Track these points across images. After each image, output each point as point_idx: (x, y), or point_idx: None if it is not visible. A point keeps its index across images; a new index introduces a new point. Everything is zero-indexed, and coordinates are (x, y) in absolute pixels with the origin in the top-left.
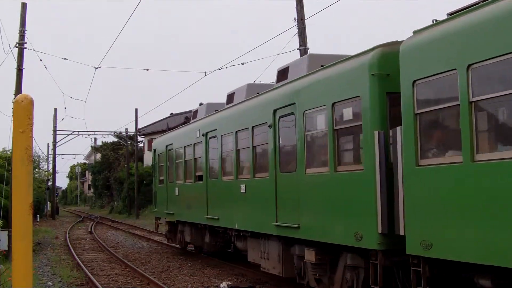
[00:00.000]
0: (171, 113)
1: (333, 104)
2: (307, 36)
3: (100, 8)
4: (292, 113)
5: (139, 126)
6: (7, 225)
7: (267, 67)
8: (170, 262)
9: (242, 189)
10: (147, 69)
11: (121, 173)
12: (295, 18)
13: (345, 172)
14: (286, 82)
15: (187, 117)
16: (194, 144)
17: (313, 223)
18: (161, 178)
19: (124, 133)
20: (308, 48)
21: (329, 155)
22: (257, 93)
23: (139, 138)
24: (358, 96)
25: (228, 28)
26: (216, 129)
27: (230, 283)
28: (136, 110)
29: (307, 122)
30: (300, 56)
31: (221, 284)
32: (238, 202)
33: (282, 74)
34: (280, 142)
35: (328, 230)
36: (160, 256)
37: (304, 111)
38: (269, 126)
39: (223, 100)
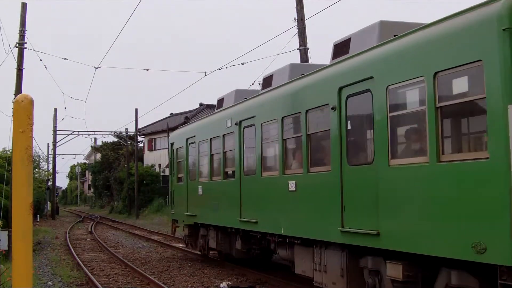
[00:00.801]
0: (171, 113)
1: (436, 74)
2: (307, 36)
3: (100, 8)
4: (367, 90)
5: (139, 126)
6: (7, 225)
7: (267, 67)
8: (170, 262)
9: (291, 187)
10: (147, 69)
11: (121, 173)
12: (295, 18)
13: (455, 163)
14: (353, 55)
15: (187, 117)
16: (223, 135)
17: (402, 230)
18: (180, 175)
19: (124, 133)
20: (308, 48)
21: (428, 140)
22: (301, 74)
23: (139, 138)
24: (479, 60)
25: (228, 28)
26: (254, 117)
27: (230, 283)
28: (136, 110)
29: (391, 99)
30: (300, 56)
31: (221, 284)
32: (285, 203)
33: (341, 48)
34: (349, 127)
35: (426, 238)
36: (160, 256)
37: (388, 86)
38: (332, 108)
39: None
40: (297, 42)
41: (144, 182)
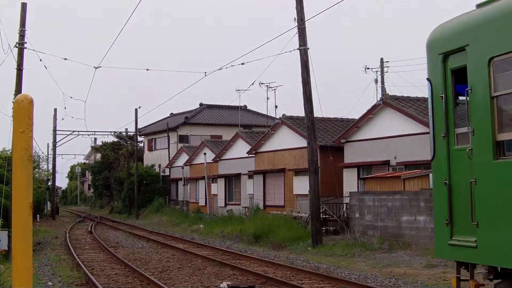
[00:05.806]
0: (171, 113)
1: None
2: (307, 36)
3: (100, 8)
4: None
5: (139, 126)
6: (7, 225)
7: (267, 67)
8: (170, 262)
9: None
10: (147, 69)
11: (121, 173)
12: (295, 18)
13: None
14: None
15: (187, 117)
16: None
17: None
18: (503, 136)
19: (124, 133)
20: (308, 48)
21: None
22: None
23: (139, 138)
24: None
25: (228, 28)
26: None
27: (230, 283)
28: (136, 110)
29: None
30: (300, 57)
31: (221, 284)
32: None
33: None
34: None
35: None
36: (160, 256)
37: None
38: None
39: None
40: (297, 43)
41: (144, 182)
